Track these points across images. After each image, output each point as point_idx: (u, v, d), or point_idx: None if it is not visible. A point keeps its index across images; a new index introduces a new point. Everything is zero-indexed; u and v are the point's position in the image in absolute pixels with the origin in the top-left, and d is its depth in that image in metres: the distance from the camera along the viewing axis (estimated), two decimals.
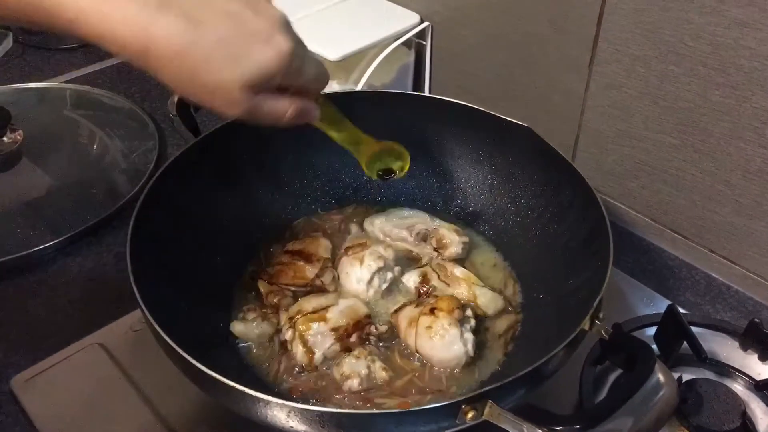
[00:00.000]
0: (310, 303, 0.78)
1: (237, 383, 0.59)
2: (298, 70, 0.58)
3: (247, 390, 0.59)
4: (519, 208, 0.89)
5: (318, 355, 0.74)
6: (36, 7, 0.50)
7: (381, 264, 0.82)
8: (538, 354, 0.62)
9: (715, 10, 0.78)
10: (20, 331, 0.87)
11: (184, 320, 0.73)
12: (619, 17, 0.87)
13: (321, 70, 0.63)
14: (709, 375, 0.79)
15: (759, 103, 0.80)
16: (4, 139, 1.11)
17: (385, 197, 0.96)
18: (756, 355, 0.81)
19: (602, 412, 0.59)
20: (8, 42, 1.41)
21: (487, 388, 0.59)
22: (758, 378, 0.78)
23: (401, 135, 0.95)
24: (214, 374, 0.60)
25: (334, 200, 0.96)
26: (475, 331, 0.76)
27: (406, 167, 0.82)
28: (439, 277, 0.83)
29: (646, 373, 0.61)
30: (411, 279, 0.84)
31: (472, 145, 0.93)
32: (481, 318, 0.80)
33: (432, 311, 0.75)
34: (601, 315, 0.67)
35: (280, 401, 0.59)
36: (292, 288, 0.82)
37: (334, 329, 0.75)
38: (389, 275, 0.84)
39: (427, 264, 0.86)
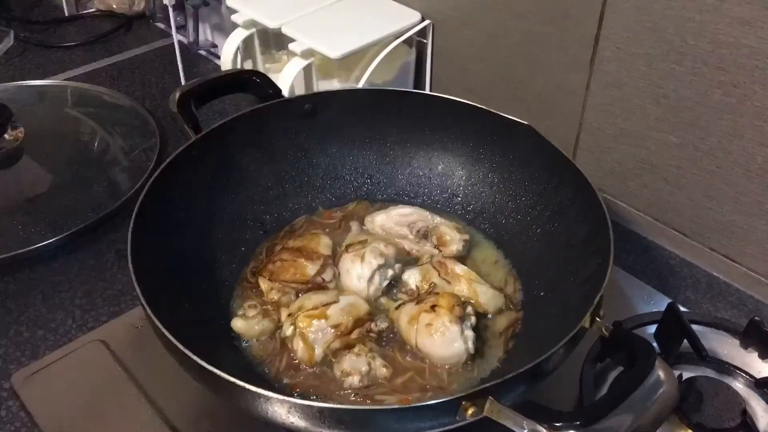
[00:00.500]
0: (310, 300, 0.78)
1: (238, 379, 0.59)
2: None
3: (247, 386, 0.59)
4: (520, 205, 0.89)
5: (318, 351, 0.74)
6: None
7: (381, 261, 0.83)
8: (539, 351, 0.62)
9: (716, 9, 0.78)
10: (21, 328, 0.87)
11: (185, 317, 0.73)
12: (620, 15, 0.87)
13: None
14: (709, 373, 0.79)
15: (760, 101, 0.80)
16: (6, 136, 1.11)
17: (386, 195, 0.96)
18: (756, 353, 0.81)
19: (602, 409, 0.59)
20: (9, 40, 1.41)
21: (488, 384, 0.59)
22: (758, 376, 0.78)
23: (402, 133, 0.96)
24: (215, 370, 0.60)
25: (334, 197, 0.96)
26: (476, 329, 0.76)
27: None
28: (439, 274, 0.83)
29: (647, 370, 0.61)
30: (412, 276, 0.84)
31: (473, 143, 0.93)
32: (481, 315, 0.80)
33: (432, 308, 0.75)
34: (601, 313, 0.67)
35: (281, 397, 0.59)
36: (293, 285, 0.82)
37: (335, 326, 0.75)
38: (390, 272, 0.84)
39: (427, 261, 0.85)
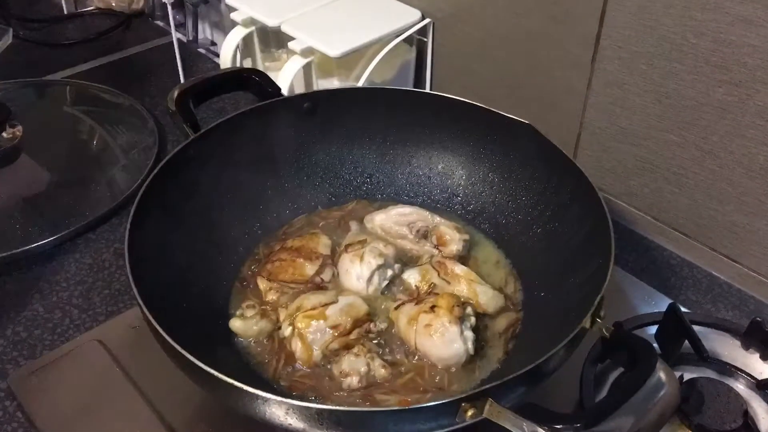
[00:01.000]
0: (309, 300, 0.77)
1: (235, 380, 0.59)
2: None
3: (245, 387, 0.59)
4: (520, 205, 0.89)
5: (317, 352, 0.74)
6: None
7: (381, 261, 0.82)
8: (539, 352, 0.62)
9: (718, 7, 0.78)
10: (18, 328, 0.86)
11: (183, 317, 0.73)
12: (621, 14, 0.87)
13: None
14: (710, 374, 0.78)
15: (762, 100, 0.80)
16: (4, 134, 1.10)
17: (385, 194, 0.96)
18: (758, 354, 0.81)
19: (603, 411, 0.59)
20: (8, 37, 1.41)
21: (488, 386, 0.59)
22: (760, 377, 0.78)
23: (402, 132, 0.95)
24: (212, 371, 0.60)
25: (334, 197, 0.95)
26: (476, 329, 0.76)
27: None
28: (439, 274, 0.82)
29: (648, 371, 0.60)
30: (411, 276, 0.83)
31: (473, 143, 0.93)
32: (481, 316, 0.79)
33: (432, 309, 0.75)
34: (602, 313, 0.67)
35: (278, 398, 0.58)
36: (292, 285, 0.82)
37: (334, 327, 0.75)
38: (389, 273, 0.83)
39: (427, 261, 0.85)
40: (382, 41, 1.08)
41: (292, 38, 1.06)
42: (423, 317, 0.75)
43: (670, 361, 0.77)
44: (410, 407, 0.60)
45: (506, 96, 1.06)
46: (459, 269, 0.82)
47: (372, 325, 0.77)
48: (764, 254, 0.88)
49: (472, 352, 0.74)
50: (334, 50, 1.03)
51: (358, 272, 0.82)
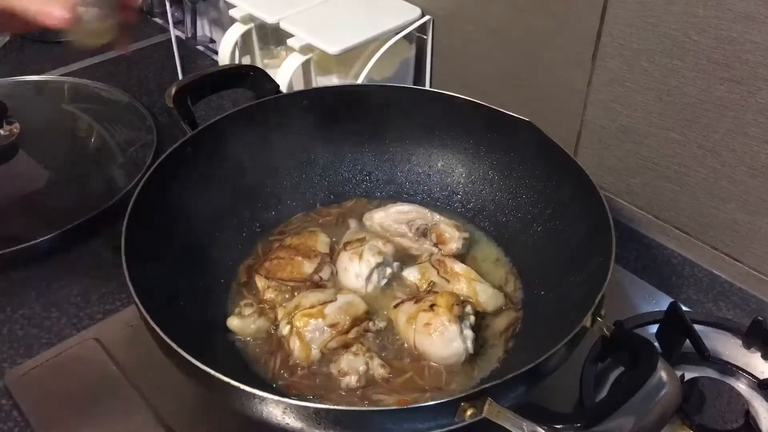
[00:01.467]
0: (307, 299, 0.77)
1: (233, 380, 0.59)
2: None
3: (242, 387, 0.58)
4: (520, 203, 0.89)
5: (315, 351, 0.74)
6: None
7: (380, 259, 0.82)
8: (539, 351, 0.62)
9: (720, 4, 0.77)
10: (15, 326, 0.86)
11: (180, 315, 0.73)
12: (622, 11, 0.86)
13: None
14: (711, 373, 0.78)
15: (764, 98, 0.79)
16: (1, 131, 1.10)
17: (384, 192, 0.96)
18: (759, 354, 0.81)
19: (604, 411, 0.58)
20: (6, 34, 1.40)
21: (487, 385, 0.58)
22: (761, 376, 0.78)
23: (401, 130, 0.95)
24: (209, 370, 0.59)
25: (332, 195, 0.95)
26: (475, 328, 0.76)
27: None
28: (438, 273, 0.82)
29: (649, 371, 0.60)
30: (410, 275, 0.83)
31: (473, 140, 0.92)
32: (481, 315, 0.79)
33: (431, 308, 0.74)
34: (602, 312, 0.67)
35: (276, 398, 0.58)
36: (290, 283, 0.81)
37: (332, 325, 0.74)
38: (388, 271, 0.83)
39: (426, 260, 0.85)
40: (381, 38, 1.07)
41: (291, 35, 1.06)
42: (422, 316, 0.74)
43: (671, 360, 0.77)
44: (409, 407, 0.59)
45: (506, 93, 1.06)
46: (458, 267, 0.82)
47: (371, 323, 0.77)
48: (766, 253, 0.87)
49: (471, 351, 0.74)
50: (333, 47, 1.03)
51: (357, 270, 0.81)
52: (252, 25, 1.14)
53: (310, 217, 0.92)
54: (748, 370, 0.78)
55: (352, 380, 0.71)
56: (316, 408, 0.58)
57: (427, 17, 1.11)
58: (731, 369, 0.79)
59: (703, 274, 0.93)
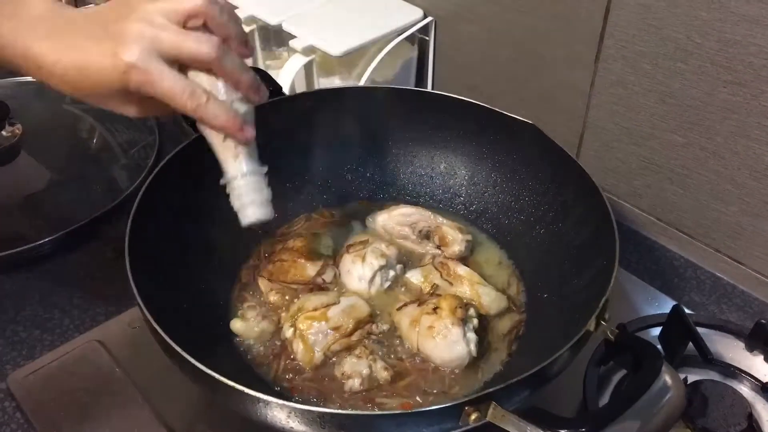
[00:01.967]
0: (311, 301, 0.77)
1: (236, 383, 0.58)
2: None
3: (246, 390, 0.58)
4: (523, 205, 0.88)
5: (318, 354, 0.74)
6: None
7: (383, 262, 0.82)
8: (543, 355, 0.62)
9: (723, 7, 0.77)
10: (18, 328, 0.86)
11: (183, 317, 0.72)
12: (625, 13, 0.86)
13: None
14: (714, 376, 0.78)
15: (767, 100, 0.79)
16: (3, 132, 1.10)
17: (387, 194, 0.96)
18: (762, 356, 0.81)
19: (608, 415, 0.58)
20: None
21: (491, 389, 0.58)
22: (764, 379, 0.77)
23: (404, 132, 0.95)
24: (212, 373, 0.59)
25: (335, 197, 0.95)
26: (478, 331, 0.76)
27: None
28: (441, 275, 0.82)
29: (653, 375, 0.60)
30: (413, 277, 0.83)
31: (475, 142, 0.92)
32: (484, 317, 0.79)
33: (434, 310, 0.74)
34: (606, 316, 0.66)
35: (281, 401, 0.58)
36: (293, 286, 0.81)
37: (336, 328, 0.74)
38: (391, 273, 0.83)
39: (429, 262, 0.85)
40: (383, 40, 1.07)
41: (293, 36, 1.06)
42: (425, 319, 0.74)
43: (674, 363, 0.77)
44: (413, 411, 0.59)
45: (509, 95, 1.05)
46: (461, 270, 0.82)
47: (374, 326, 0.77)
48: None
49: (474, 354, 0.74)
50: (335, 49, 1.03)
51: (360, 273, 0.81)
52: (254, 26, 1.14)
53: (313, 220, 0.92)
54: (751, 373, 0.78)
55: (355, 383, 0.71)
56: (321, 412, 0.58)
57: (429, 18, 1.11)
58: (734, 372, 0.79)
59: (706, 277, 0.93)
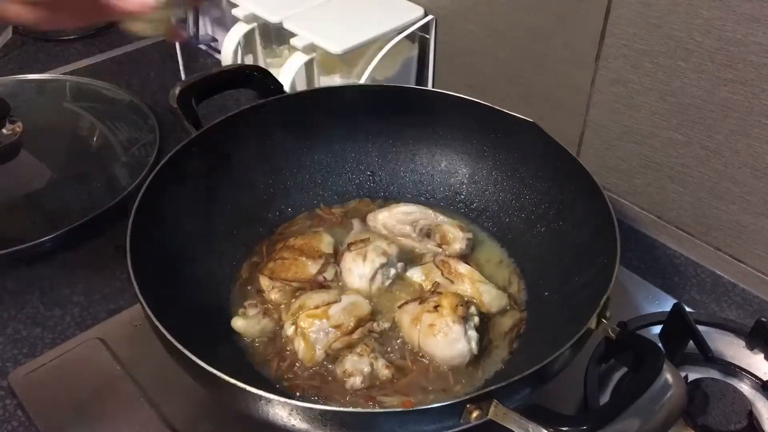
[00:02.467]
0: (312, 299, 0.77)
1: (237, 380, 0.58)
2: None
3: (247, 387, 0.58)
4: (524, 204, 0.89)
5: (320, 352, 0.74)
6: None
7: (384, 260, 0.82)
8: (544, 353, 0.62)
9: (724, 5, 0.77)
10: (19, 326, 0.86)
11: (185, 315, 0.72)
12: (626, 11, 0.86)
13: None
14: (715, 374, 0.78)
15: None
16: (3, 131, 1.10)
17: (388, 192, 0.96)
18: (762, 355, 0.81)
19: (609, 413, 0.58)
20: (8, 33, 1.40)
21: (493, 387, 0.58)
22: (765, 378, 0.78)
23: (405, 130, 0.95)
24: (214, 371, 0.59)
25: (336, 195, 0.95)
26: (479, 329, 0.76)
27: None
28: (442, 273, 0.82)
29: (654, 373, 0.60)
30: (414, 275, 0.83)
31: (476, 141, 0.92)
32: (485, 315, 0.79)
33: (435, 308, 0.74)
34: (607, 314, 0.67)
35: (282, 399, 0.58)
36: (294, 284, 0.81)
37: (337, 326, 0.74)
38: (392, 271, 0.83)
39: (430, 260, 0.85)
40: (384, 38, 1.07)
41: (294, 35, 1.06)
42: (426, 317, 0.74)
43: (675, 361, 0.77)
44: (415, 408, 0.59)
45: (509, 93, 1.06)
46: (462, 268, 0.82)
47: (375, 324, 0.77)
48: None
49: (476, 352, 0.74)
50: (336, 47, 1.03)
51: (361, 271, 0.81)
52: (255, 24, 1.14)
53: (314, 218, 0.92)
54: (752, 371, 0.78)
55: (356, 381, 0.71)
56: (323, 410, 0.58)
57: (430, 17, 1.11)
58: (734, 370, 0.79)
59: (706, 275, 0.93)
